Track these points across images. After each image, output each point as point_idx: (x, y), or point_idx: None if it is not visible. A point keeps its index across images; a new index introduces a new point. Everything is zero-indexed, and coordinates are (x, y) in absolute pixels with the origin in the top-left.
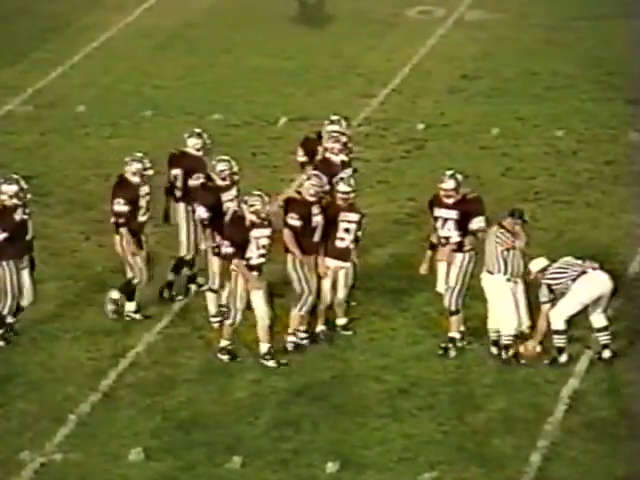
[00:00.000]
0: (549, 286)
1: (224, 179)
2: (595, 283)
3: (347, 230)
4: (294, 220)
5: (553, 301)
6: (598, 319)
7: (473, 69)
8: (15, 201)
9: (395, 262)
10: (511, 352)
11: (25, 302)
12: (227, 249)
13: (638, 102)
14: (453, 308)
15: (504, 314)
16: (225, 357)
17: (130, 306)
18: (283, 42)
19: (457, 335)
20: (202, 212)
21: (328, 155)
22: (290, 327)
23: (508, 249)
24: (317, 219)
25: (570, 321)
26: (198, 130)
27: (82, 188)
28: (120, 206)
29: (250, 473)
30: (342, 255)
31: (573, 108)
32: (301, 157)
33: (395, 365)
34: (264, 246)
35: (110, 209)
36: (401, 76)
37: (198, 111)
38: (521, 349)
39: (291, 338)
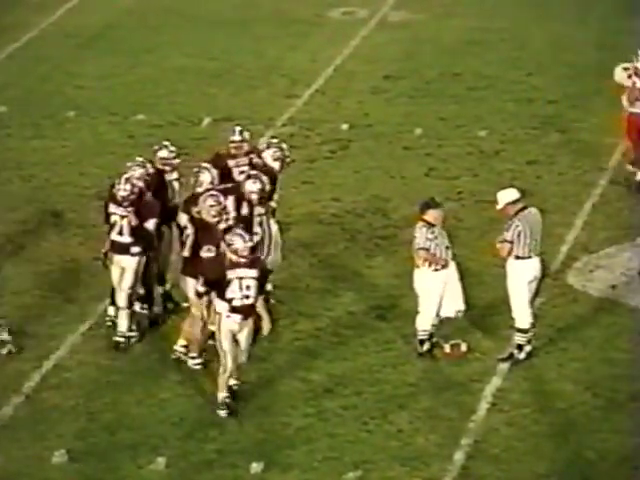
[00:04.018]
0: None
1: None
2: (531, 268)
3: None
4: None
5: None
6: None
7: (396, 70)
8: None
9: (319, 262)
10: (425, 347)
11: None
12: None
13: (558, 102)
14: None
15: (423, 309)
16: (223, 412)
17: None
18: (206, 42)
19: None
20: None
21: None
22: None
23: (429, 239)
24: None
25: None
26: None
27: (4, 189)
28: None
29: (174, 474)
30: None
31: (495, 108)
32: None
33: (320, 365)
34: (248, 287)
35: None
36: (324, 77)
37: (122, 112)
38: (446, 349)
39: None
